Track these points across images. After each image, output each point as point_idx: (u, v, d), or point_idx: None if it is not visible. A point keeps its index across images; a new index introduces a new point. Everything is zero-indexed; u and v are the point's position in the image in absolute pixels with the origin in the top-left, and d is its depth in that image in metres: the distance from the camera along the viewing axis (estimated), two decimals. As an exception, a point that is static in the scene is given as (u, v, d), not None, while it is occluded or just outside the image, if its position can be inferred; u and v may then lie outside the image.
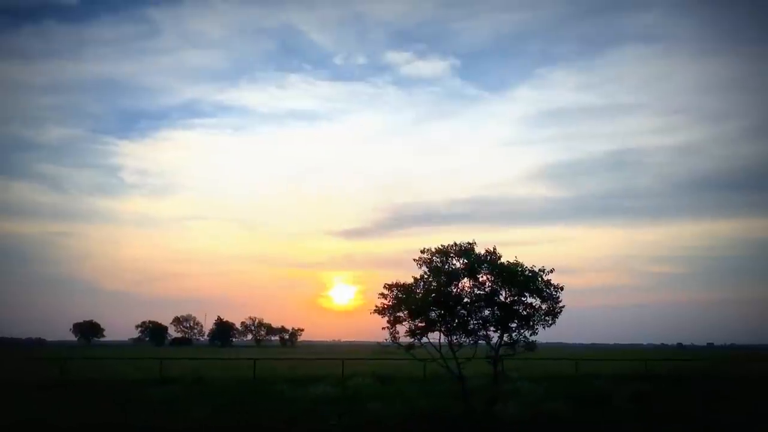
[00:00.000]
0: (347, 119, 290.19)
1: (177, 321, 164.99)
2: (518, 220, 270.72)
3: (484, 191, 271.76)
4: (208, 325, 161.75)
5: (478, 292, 19.08)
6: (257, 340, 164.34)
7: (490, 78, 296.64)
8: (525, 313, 19.12)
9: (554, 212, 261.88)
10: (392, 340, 18.83)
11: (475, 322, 19.24)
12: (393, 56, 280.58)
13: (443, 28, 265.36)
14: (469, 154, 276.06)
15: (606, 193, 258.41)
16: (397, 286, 19.02)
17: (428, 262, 19.28)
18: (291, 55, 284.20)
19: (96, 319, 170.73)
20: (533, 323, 19.27)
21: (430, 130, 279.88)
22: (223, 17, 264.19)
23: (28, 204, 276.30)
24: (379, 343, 19.69)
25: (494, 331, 19.47)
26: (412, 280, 19.47)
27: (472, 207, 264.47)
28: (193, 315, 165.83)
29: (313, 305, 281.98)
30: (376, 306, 18.95)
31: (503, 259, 19.30)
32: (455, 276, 18.93)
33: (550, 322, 19.24)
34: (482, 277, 19.18)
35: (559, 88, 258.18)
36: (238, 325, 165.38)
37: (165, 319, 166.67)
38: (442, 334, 19.12)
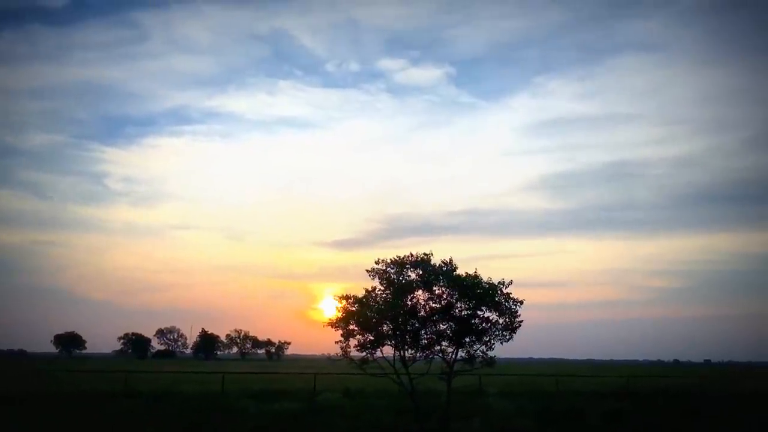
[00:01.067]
0: (339, 127, 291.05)
1: (160, 333, 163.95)
2: (514, 232, 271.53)
3: (479, 202, 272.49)
4: (195, 337, 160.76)
5: (434, 305, 18.84)
6: (242, 354, 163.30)
7: (486, 86, 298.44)
8: (481, 327, 18.86)
9: (551, 224, 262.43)
10: (343, 355, 18.57)
11: (428, 336, 18.96)
12: (387, 63, 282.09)
13: (438, 35, 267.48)
14: (464, 164, 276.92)
15: (604, 205, 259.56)
16: (348, 298, 18.78)
17: (382, 274, 19.06)
18: (282, 61, 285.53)
19: (78, 331, 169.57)
20: (490, 338, 19.02)
21: (424, 139, 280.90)
22: (213, 22, 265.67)
23: (10, 212, 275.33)
24: (328, 357, 19.43)
25: (448, 346, 19.18)
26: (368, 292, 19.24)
27: (468, 218, 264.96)
28: (177, 327, 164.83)
29: (302, 318, 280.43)
30: (330, 319, 18.72)
31: (461, 271, 19.10)
32: (409, 288, 18.71)
33: (507, 337, 18.98)
34: (438, 289, 18.97)
35: (556, 97, 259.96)
36: (223, 338, 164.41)
37: (149, 331, 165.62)
38: (394, 349, 18.82)
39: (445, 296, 18.78)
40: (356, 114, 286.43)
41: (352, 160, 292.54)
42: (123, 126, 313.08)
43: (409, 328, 18.49)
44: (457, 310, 18.77)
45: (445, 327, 18.86)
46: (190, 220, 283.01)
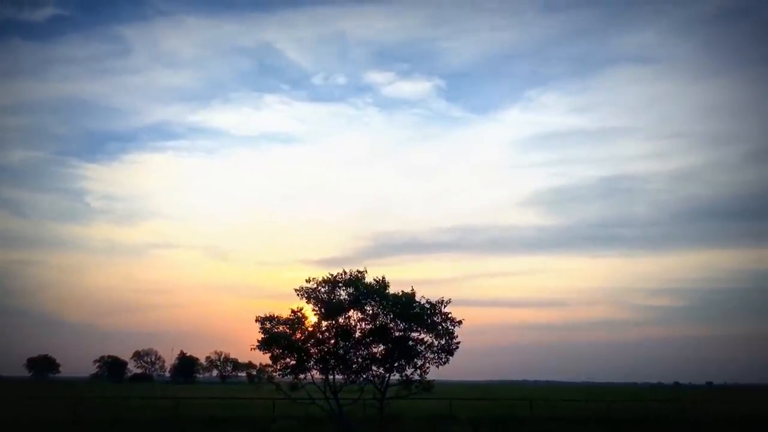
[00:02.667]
0: (326, 141, 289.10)
1: (137, 356, 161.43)
2: (507, 249, 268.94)
3: (470, 218, 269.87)
4: (174, 359, 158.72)
5: (366, 325, 18.37)
6: (223, 377, 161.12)
7: (477, 100, 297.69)
8: (414, 349, 18.36)
9: (546, 241, 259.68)
10: (268, 379, 18.02)
11: (358, 359, 18.44)
12: (375, 76, 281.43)
13: (427, 47, 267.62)
14: (454, 179, 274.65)
15: (600, 221, 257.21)
16: (272, 319, 18.27)
17: (311, 293, 18.57)
18: (268, 74, 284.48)
19: (53, 354, 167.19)
20: (425, 361, 18.50)
21: (413, 154, 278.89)
22: (197, 36, 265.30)
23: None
24: (251, 382, 18.89)
25: (380, 370, 18.65)
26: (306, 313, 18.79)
27: (458, 235, 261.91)
28: (154, 349, 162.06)
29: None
30: (258, 341, 18.15)
31: (400, 290, 18.65)
32: (340, 308, 18.24)
33: (444, 360, 18.46)
34: (372, 309, 18.51)
35: (550, 110, 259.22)
36: (203, 360, 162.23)
37: (127, 354, 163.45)
38: (320, 373, 18.30)
39: (379, 316, 18.34)
40: (344, 128, 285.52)
41: (339, 175, 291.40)
42: (105, 142, 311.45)
43: (338, 350, 17.99)
44: (390, 331, 18.30)
45: (377, 349, 18.38)
46: (173, 239, 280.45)
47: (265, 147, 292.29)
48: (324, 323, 18.01)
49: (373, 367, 18.58)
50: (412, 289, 18.66)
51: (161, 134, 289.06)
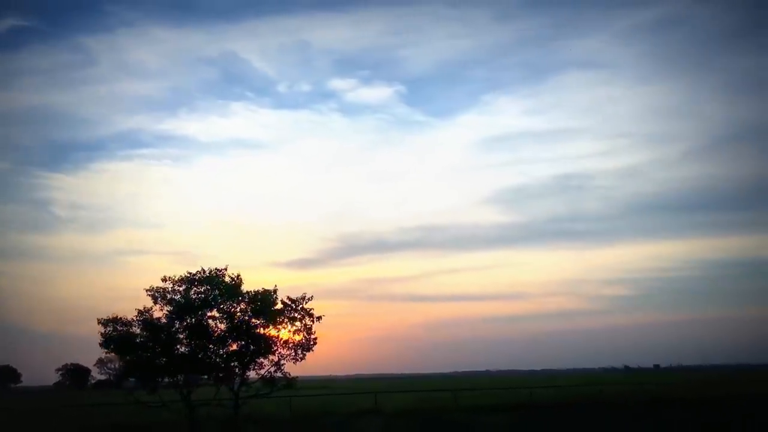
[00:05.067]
0: (292, 147, 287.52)
1: (100, 363, 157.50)
2: (469, 246, 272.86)
3: (433, 218, 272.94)
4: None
5: (221, 324, 17.44)
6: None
7: (437, 104, 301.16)
8: (272, 346, 17.52)
9: (504, 237, 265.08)
10: (116, 385, 16.99)
11: (213, 359, 17.50)
12: (338, 83, 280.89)
13: (388, 55, 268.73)
14: (417, 181, 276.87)
15: (554, 217, 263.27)
16: (114, 321, 17.20)
17: (163, 293, 17.55)
18: (233, 83, 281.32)
19: (15, 364, 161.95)
20: (280, 358, 17.67)
21: (377, 157, 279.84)
22: (162, 46, 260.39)
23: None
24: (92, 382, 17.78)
25: (234, 369, 17.75)
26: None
27: (422, 234, 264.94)
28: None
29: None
30: (99, 344, 17.09)
31: (261, 287, 17.81)
32: (190, 307, 17.25)
33: (301, 356, 17.65)
34: (230, 307, 17.59)
35: (505, 113, 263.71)
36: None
37: (91, 362, 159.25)
38: (170, 375, 17.31)
39: (237, 314, 17.45)
40: (309, 134, 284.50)
41: (305, 179, 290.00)
42: (70, 152, 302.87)
43: (193, 350, 17.03)
44: (248, 329, 17.42)
45: (234, 347, 17.47)
46: (142, 246, 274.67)
47: (232, 153, 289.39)
48: (178, 323, 17.01)
49: (231, 365, 17.63)
50: (275, 287, 17.86)
51: (128, 143, 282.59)
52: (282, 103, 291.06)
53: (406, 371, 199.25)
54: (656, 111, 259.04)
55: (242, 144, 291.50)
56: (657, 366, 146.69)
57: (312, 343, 17.80)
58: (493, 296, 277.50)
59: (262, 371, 17.78)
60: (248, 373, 17.80)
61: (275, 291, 17.93)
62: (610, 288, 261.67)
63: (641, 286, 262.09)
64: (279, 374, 17.66)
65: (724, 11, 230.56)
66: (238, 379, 17.73)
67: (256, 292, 17.82)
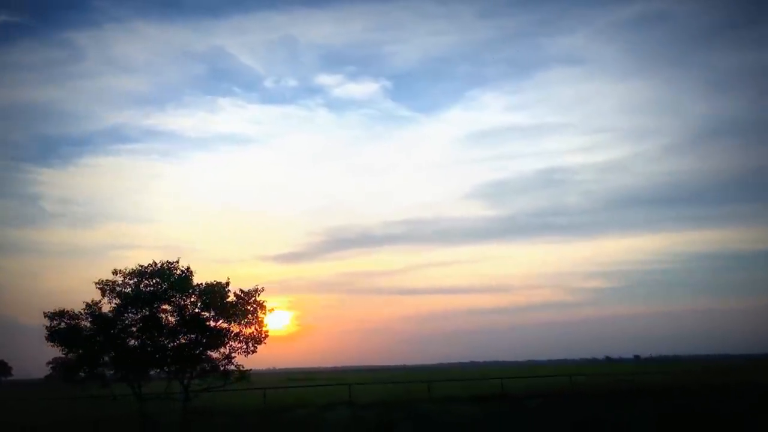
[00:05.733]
0: (279, 142, 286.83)
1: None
2: (453, 240, 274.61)
3: (418, 212, 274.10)
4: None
5: (174, 317, 17.39)
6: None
7: (422, 100, 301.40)
8: (222, 339, 17.50)
9: (489, 231, 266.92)
10: (63, 379, 16.87)
11: (164, 352, 17.43)
12: (324, 78, 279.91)
13: (374, 50, 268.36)
14: (402, 176, 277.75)
15: (537, 211, 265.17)
16: (61, 314, 17.11)
17: (112, 286, 17.45)
18: (220, 78, 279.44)
19: (7, 358, 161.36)
20: (231, 351, 17.65)
21: (363, 152, 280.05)
22: (149, 41, 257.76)
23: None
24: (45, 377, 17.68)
25: (186, 361, 17.71)
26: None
27: (407, 228, 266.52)
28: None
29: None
30: (45, 337, 16.96)
31: (214, 280, 17.75)
32: (141, 300, 17.18)
33: (252, 348, 17.63)
34: (182, 300, 17.54)
35: (488, 109, 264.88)
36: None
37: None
38: (118, 369, 17.26)
39: (188, 307, 17.40)
40: (296, 129, 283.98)
41: (292, 174, 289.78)
42: (59, 146, 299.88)
43: (143, 343, 16.97)
44: (200, 322, 17.37)
45: (184, 340, 17.43)
46: (132, 240, 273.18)
47: (219, 148, 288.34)
48: (129, 317, 16.94)
49: (181, 358, 17.57)
50: (227, 279, 17.81)
51: (116, 138, 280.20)
52: (269, 98, 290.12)
53: (393, 363, 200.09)
54: (637, 106, 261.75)
55: (230, 139, 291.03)
56: (637, 357, 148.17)
57: (263, 335, 17.78)
58: (477, 289, 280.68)
59: (213, 364, 17.71)
60: (201, 366, 17.72)
61: (227, 284, 17.89)
62: (591, 280, 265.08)
63: (622, 279, 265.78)
64: (232, 367, 17.63)
65: (704, 8, 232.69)
66: (188, 373, 17.67)
67: (207, 285, 17.77)
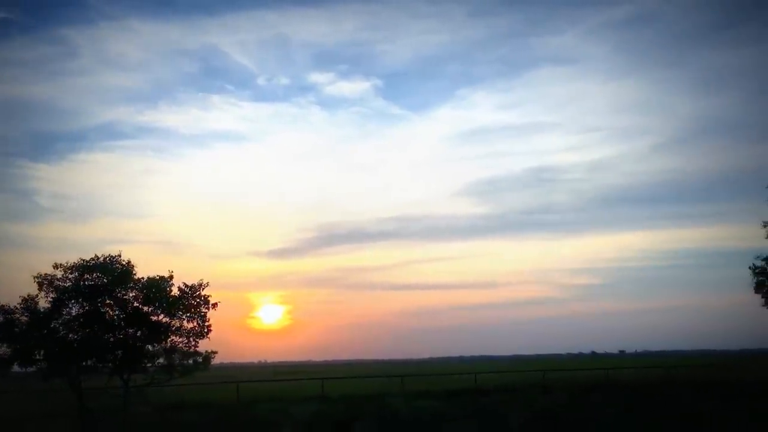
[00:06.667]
0: (271, 139, 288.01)
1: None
2: (444, 236, 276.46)
3: (409, 209, 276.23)
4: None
5: (116, 312, 16.90)
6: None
7: (413, 98, 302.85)
8: (165, 333, 17.05)
9: (478, 228, 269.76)
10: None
11: (105, 346, 16.95)
12: (316, 77, 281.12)
13: (366, 49, 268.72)
14: (394, 173, 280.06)
15: (526, 209, 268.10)
16: (-1, 308, 16.57)
17: (51, 280, 16.94)
18: (213, 76, 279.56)
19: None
20: (173, 345, 17.19)
21: (354, 150, 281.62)
22: (142, 39, 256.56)
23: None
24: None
25: (126, 356, 17.25)
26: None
27: (398, 224, 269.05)
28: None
29: (242, 327, 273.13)
30: None
31: (156, 274, 17.29)
32: (82, 295, 16.70)
33: (194, 343, 17.18)
34: (123, 294, 17.06)
35: (479, 107, 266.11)
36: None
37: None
38: (53, 363, 16.76)
39: (130, 302, 16.92)
40: (288, 126, 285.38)
41: (285, 171, 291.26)
42: (53, 142, 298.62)
43: (84, 338, 16.49)
44: (142, 317, 16.91)
45: (125, 335, 16.96)
46: (126, 235, 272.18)
47: (212, 145, 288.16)
48: (68, 311, 16.44)
49: (121, 353, 17.10)
50: (170, 273, 17.34)
51: (110, 134, 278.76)
52: (262, 96, 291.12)
53: (386, 357, 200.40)
54: (626, 106, 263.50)
55: (223, 136, 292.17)
56: (622, 351, 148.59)
57: (206, 330, 17.32)
58: (467, 285, 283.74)
59: (155, 360, 17.27)
60: (141, 361, 17.24)
61: (171, 278, 17.42)
62: (579, 277, 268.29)
63: (609, 275, 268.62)
64: (177, 361, 17.18)
65: (694, 9, 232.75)
66: (127, 368, 17.20)
67: (149, 279, 17.29)
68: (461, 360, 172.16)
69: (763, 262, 27.88)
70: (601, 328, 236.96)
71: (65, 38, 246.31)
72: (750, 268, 27.99)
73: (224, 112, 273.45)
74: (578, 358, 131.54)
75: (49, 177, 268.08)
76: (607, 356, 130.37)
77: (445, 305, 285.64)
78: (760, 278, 27.69)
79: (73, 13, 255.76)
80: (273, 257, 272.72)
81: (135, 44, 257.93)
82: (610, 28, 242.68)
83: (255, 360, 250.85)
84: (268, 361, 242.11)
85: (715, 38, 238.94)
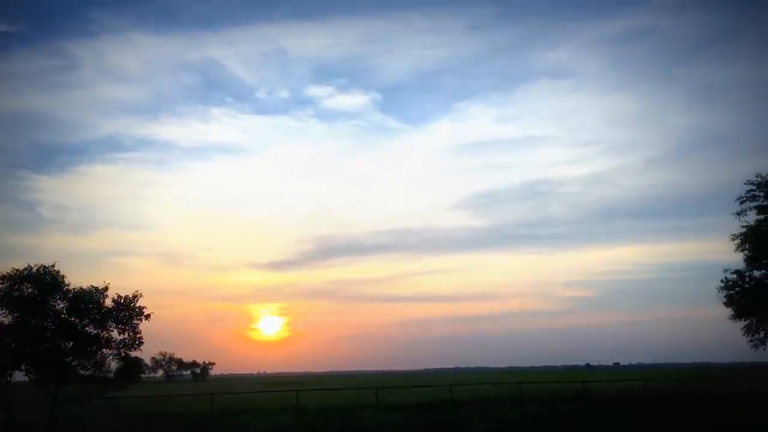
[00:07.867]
0: (271, 152, 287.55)
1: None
2: (440, 249, 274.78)
3: (406, 221, 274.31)
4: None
5: (48, 323, 16.23)
6: (168, 376, 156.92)
7: (411, 111, 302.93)
8: (95, 345, 16.38)
9: (475, 240, 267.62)
10: None
11: (29, 358, 16.27)
12: (315, 90, 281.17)
13: (364, 63, 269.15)
14: (391, 186, 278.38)
15: (522, 222, 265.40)
16: None
17: None
18: (213, 89, 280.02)
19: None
20: (102, 357, 16.54)
21: (352, 162, 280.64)
22: (143, 52, 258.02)
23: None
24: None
25: (54, 368, 16.56)
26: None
27: (395, 237, 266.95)
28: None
29: (242, 338, 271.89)
30: None
31: (88, 285, 16.63)
32: (7, 304, 16.05)
33: (123, 354, 16.49)
34: (53, 305, 16.42)
35: (476, 121, 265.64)
36: (148, 361, 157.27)
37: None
38: None
39: (61, 313, 16.28)
40: (287, 139, 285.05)
41: (283, 183, 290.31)
42: (55, 154, 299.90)
43: (17, 349, 15.82)
44: (74, 328, 16.26)
45: (54, 345, 16.30)
46: (126, 247, 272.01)
47: (212, 158, 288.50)
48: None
49: (49, 365, 16.42)
50: (105, 284, 16.70)
51: (111, 146, 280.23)
52: (261, 109, 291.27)
53: (383, 368, 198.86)
54: (621, 120, 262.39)
55: (222, 148, 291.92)
56: (617, 364, 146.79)
57: (138, 342, 16.67)
58: (464, 297, 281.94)
59: (83, 371, 16.62)
60: (67, 374, 16.56)
61: (105, 289, 16.82)
62: (573, 290, 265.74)
63: (603, 288, 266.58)
64: (110, 374, 16.50)
65: (687, 24, 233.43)
66: (52, 381, 16.52)
67: (81, 290, 16.68)
68: (456, 371, 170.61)
69: (734, 275, 27.01)
70: (596, 340, 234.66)
71: (67, 51, 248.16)
72: (721, 281, 27.02)
73: (224, 125, 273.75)
74: (572, 370, 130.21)
75: (51, 188, 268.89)
76: (601, 369, 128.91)
77: (442, 317, 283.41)
78: (729, 292, 26.77)
79: (75, 27, 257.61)
80: (272, 269, 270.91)
81: (136, 57, 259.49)
82: (605, 43, 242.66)
83: (255, 371, 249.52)
84: (268, 372, 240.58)
85: (709, 52, 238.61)
